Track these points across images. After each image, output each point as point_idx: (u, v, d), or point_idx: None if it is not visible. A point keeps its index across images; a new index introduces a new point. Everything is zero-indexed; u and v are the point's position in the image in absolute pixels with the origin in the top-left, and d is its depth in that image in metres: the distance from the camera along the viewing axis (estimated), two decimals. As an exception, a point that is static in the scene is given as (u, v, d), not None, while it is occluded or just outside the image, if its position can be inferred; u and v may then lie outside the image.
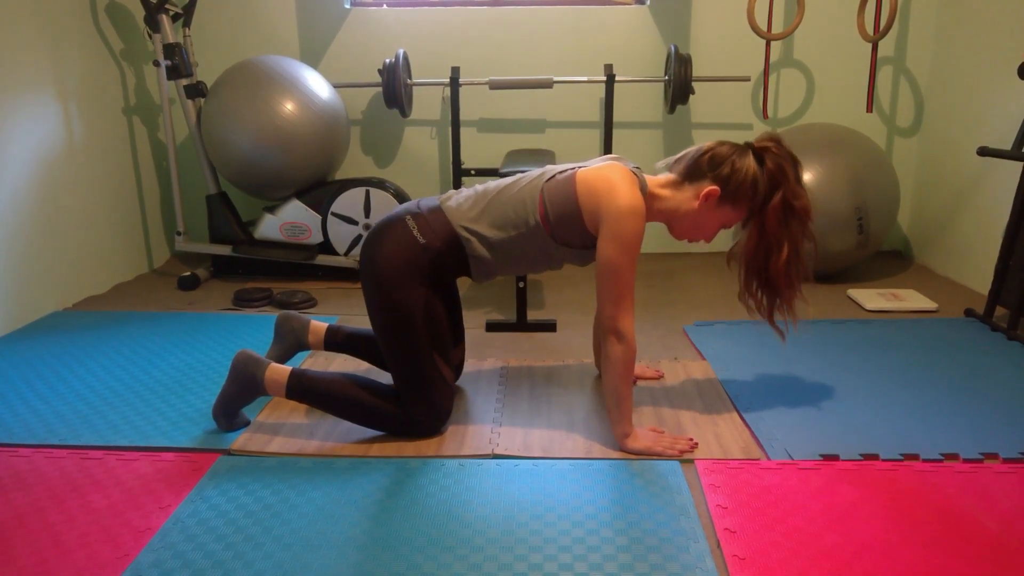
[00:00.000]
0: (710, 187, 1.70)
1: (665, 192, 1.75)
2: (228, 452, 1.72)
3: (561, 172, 1.75)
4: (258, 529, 1.42)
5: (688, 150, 1.76)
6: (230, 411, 1.80)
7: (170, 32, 3.00)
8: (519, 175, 1.82)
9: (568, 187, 1.70)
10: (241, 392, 1.78)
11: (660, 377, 2.11)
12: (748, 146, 1.73)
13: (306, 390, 1.77)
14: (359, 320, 2.63)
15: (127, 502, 1.52)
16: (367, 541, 1.39)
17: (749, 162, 1.69)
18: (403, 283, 1.70)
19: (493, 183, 1.81)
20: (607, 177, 1.68)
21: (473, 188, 1.82)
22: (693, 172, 1.72)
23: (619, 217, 1.64)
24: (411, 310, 1.70)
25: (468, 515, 1.47)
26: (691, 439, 1.74)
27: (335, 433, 1.80)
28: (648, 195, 1.73)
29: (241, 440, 1.76)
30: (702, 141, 1.77)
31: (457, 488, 1.56)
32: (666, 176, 1.77)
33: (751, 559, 1.33)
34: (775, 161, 1.69)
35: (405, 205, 1.80)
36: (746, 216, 1.74)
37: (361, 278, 1.76)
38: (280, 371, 1.78)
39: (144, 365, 2.23)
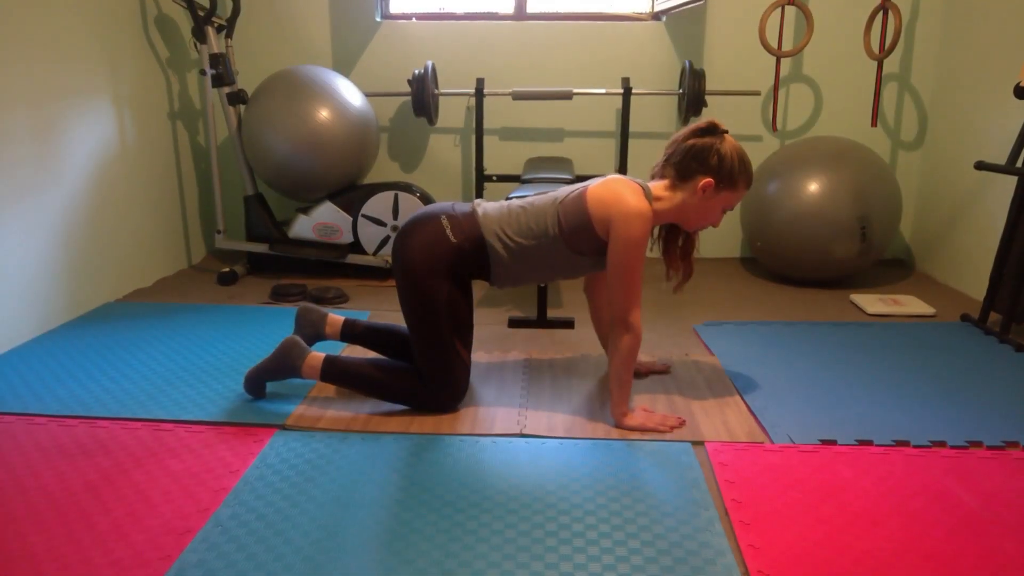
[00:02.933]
0: (704, 180, 1.88)
1: (667, 194, 1.94)
2: (283, 427, 1.90)
3: (572, 192, 1.96)
4: (317, 491, 1.60)
5: (667, 152, 1.95)
6: (259, 382, 2.04)
7: (215, 43, 3.19)
8: (536, 196, 2.01)
9: (580, 202, 1.91)
10: (277, 369, 2.01)
11: (666, 369, 2.29)
12: (723, 131, 1.91)
13: (339, 372, 2.00)
14: (389, 316, 2.81)
15: (200, 466, 1.70)
16: (414, 503, 1.56)
17: (732, 145, 1.89)
18: (431, 273, 1.90)
19: (516, 203, 2.02)
20: (614, 189, 1.88)
21: (499, 203, 2.03)
22: (684, 172, 1.91)
23: (628, 221, 1.83)
24: (437, 298, 1.91)
25: (503, 483, 1.64)
26: (679, 417, 1.94)
27: (379, 411, 1.99)
28: (653, 200, 1.92)
29: (295, 416, 1.95)
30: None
31: (492, 461, 1.74)
32: (663, 181, 1.96)
33: (754, 523, 1.50)
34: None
35: (440, 205, 2.00)
36: (745, 191, 1.94)
37: (394, 267, 1.97)
38: (316, 358, 2.02)
39: (197, 351, 2.42)
